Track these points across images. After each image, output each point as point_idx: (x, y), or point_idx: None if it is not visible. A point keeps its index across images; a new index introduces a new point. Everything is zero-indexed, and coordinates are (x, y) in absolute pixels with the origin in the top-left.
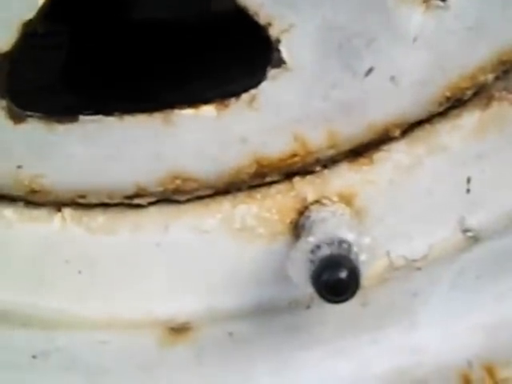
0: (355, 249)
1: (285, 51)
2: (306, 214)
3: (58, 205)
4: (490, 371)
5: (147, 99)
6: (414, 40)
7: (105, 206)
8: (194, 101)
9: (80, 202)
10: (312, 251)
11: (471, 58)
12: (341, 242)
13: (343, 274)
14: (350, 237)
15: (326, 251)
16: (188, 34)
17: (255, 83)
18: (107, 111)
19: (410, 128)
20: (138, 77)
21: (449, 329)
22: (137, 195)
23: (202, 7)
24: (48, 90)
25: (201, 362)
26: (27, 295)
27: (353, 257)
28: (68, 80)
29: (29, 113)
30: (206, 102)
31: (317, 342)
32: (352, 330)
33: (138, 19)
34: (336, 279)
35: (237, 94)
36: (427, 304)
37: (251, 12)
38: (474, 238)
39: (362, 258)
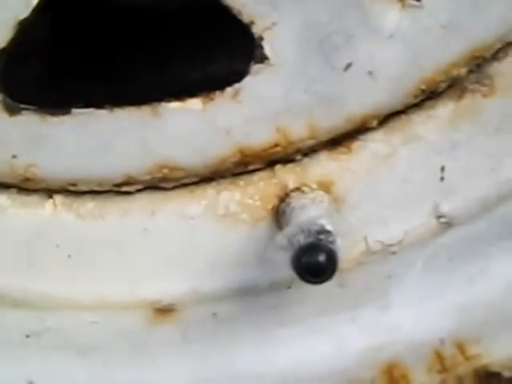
0: (333, 234)
1: (267, 48)
2: (287, 200)
3: (49, 192)
4: (460, 348)
5: (130, 82)
6: (390, 37)
7: (94, 193)
8: (176, 83)
9: (70, 190)
10: (293, 236)
11: (445, 53)
12: (319, 227)
13: (322, 258)
14: (328, 223)
15: (305, 236)
16: (169, 18)
17: (238, 76)
18: (97, 103)
19: (386, 119)
20: (120, 60)
21: (422, 308)
22: (125, 183)
23: None
24: (25, 66)
25: (186, 339)
26: (19, 278)
27: (330, 241)
28: (48, 59)
29: (23, 105)
30: (191, 92)
31: (296, 320)
32: (329, 309)
33: (121, 4)
34: (315, 262)
35: (220, 83)
36: (401, 285)
37: (235, 11)
38: (447, 224)
39: (339, 242)
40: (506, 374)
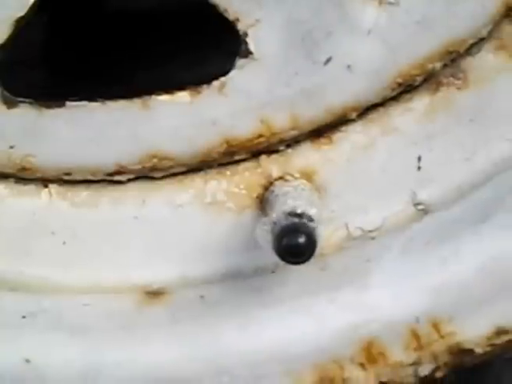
0: (312, 217)
1: (252, 43)
2: (271, 189)
3: (45, 181)
4: (435, 326)
5: (123, 80)
6: (368, 32)
7: (88, 182)
8: (168, 82)
9: (65, 179)
10: (276, 221)
11: (420, 48)
12: (300, 211)
13: (301, 239)
14: (308, 209)
15: (287, 221)
16: (163, 19)
17: (225, 71)
18: (91, 97)
19: (365, 111)
20: (114, 58)
21: (398, 289)
22: (117, 172)
23: None
24: (23, 64)
25: (175, 321)
26: (15, 263)
27: (310, 225)
28: (45, 57)
29: (20, 98)
30: (181, 86)
31: (279, 302)
32: (311, 291)
33: (116, 4)
34: (295, 243)
35: (208, 79)
36: (379, 267)
37: (221, 9)
38: (424, 211)
39: (319, 225)
40: (479, 350)
